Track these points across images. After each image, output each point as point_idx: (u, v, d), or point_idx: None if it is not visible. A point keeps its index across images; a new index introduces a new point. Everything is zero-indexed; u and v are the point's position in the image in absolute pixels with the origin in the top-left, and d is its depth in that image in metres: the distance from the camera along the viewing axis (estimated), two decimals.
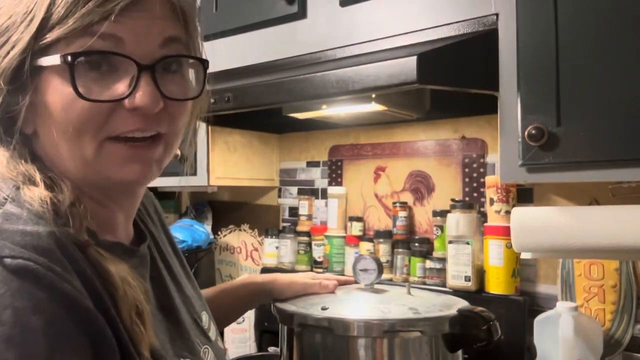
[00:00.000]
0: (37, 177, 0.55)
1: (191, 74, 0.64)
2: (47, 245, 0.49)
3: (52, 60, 0.54)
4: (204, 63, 0.64)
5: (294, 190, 1.79)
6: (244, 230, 1.89)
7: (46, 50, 0.54)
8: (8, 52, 0.54)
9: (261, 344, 1.63)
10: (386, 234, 1.48)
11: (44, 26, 0.53)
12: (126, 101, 0.55)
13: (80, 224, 0.54)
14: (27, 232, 0.49)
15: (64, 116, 0.55)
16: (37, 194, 0.53)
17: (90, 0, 0.53)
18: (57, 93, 0.55)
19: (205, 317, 0.77)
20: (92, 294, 0.51)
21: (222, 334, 0.97)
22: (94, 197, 0.61)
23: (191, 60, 0.63)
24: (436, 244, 1.40)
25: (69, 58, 0.53)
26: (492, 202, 1.29)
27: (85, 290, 0.50)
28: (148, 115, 0.56)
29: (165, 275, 0.73)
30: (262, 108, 1.22)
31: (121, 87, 0.55)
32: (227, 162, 1.61)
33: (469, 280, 1.29)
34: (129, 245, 0.66)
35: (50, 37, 0.53)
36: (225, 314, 0.98)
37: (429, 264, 1.39)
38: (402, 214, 1.48)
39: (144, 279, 0.66)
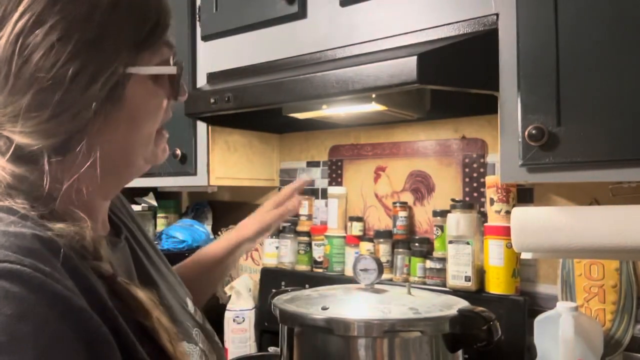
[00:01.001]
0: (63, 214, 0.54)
1: None
2: (32, 245, 0.47)
3: (154, 69, 0.59)
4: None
5: None
6: None
7: (136, 59, 0.57)
8: (105, 61, 0.55)
9: (261, 343, 1.63)
10: (386, 234, 1.48)
11: (137, 38, 0.57)
12: (181, 97, 0.65)
13: (105, 256, 0.54)
14: (9, 233, 0.48)
15: (153, 118, 0.61)
16: (60, 228, 0.52)
17: (164, 13, 0.60)
18: (152, 97, 0.60)
19: (189, 302, 0.77)
20: (90, 294, 0.49)
21: (219, 334, 0.96)
22: (100, 194, 0.62)
23: None
24: (436, 244, 1.40)
25: (176, 67, 0.62)
26: (492, 202, 1.29)
27: (79, 290, 0.48)
28: None
29: (147, 264, 0.72)
30: (262, 108, 1.22)
31: (176, 87, 0.64)
32: (227, 162, 1.61)
33: (469, 280, 1.29)
34: (108, 237, 0.66)
35: (142, 47, 0.58)
36: (208, 281, 0.98)
37: (429, 264, 1.39)
38: (402, 214, 1.48)
39: (130, 271, 0.66)
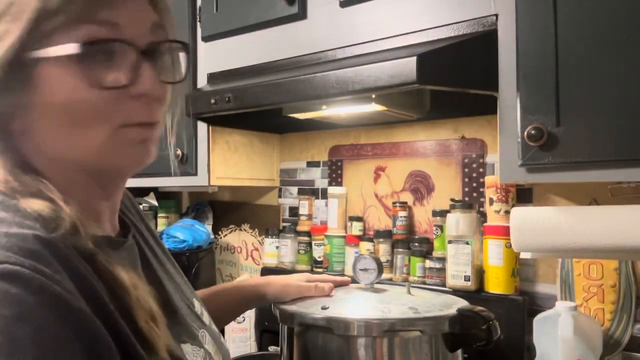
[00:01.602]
0: (36, 189, 0.54)
1: (173, 57, 0.63)
2: (33, 246, 0.47)
3: (58, 50, 0.52)
4: (187, 47, 0.63)
5: (294, 190, 1.79)
6: (245, 230, 1.90)
7: (43, 41, 0.52)
8: (9, 40, 0.51)
9: (262, 343, 1.63)
10: (386, 234, 1.49)
11: (41, 15, 0.51)
12: (133, 88, 0.55)
13: (85, 233, 0.53)
14: (11, 234, 0.48)
15: (73, 107, 0.54)
16: (36, 206, 0.52)
17: None
18: (64, 85, 0.53)
19: (197, 303, 0.77)
20: (91, 296, 0.49)
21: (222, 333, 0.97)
22: (89, 190, 0.60)
23: (174, 45, 0.62)
24: (436, 243, 1.40)
25: (82, 47, 0.52)
26: (491, 202, 1.30)
27: (80, 292, 0.48)
28: (151, 100, 0.57)
29: (154, 263, 0.72)
30: (262, 108, 1.22)
31: (123, 74, 0.55)
32: (228, 162, 1.61)
33: (469, 280, 1.29)
34: (116, 237, 0.66)
35: (48, 26, 0.51)
36: (217, 317, 0.98)
37: (428, 263, 1.39)
38: (402, 213, 1.49)
39: (136, 270, 0.66)
